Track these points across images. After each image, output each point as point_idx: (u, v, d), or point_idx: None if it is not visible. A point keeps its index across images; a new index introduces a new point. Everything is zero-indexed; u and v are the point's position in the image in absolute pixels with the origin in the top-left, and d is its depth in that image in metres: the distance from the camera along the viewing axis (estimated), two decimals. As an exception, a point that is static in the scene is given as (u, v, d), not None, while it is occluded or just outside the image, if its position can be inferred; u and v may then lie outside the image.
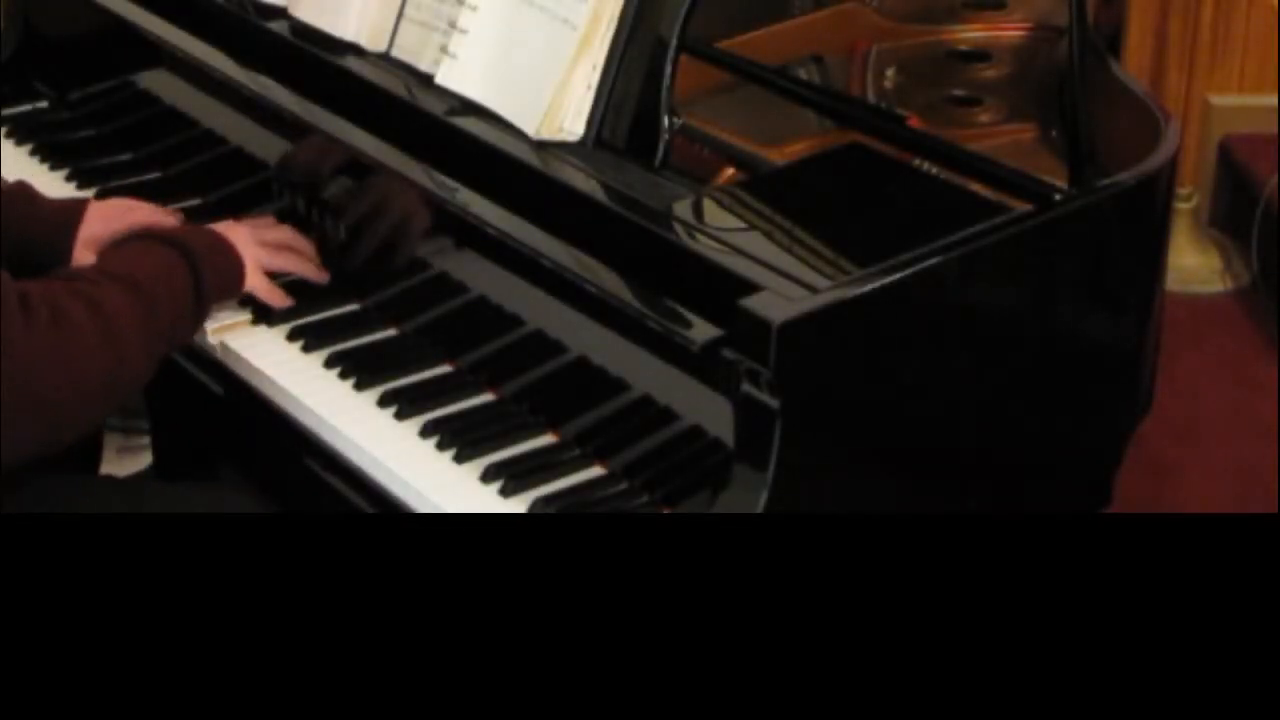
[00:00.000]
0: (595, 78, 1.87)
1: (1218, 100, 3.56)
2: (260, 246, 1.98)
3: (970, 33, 2.21)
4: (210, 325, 1.95)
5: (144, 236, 1.92)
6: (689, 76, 1.90)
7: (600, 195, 1.81)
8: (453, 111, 1.95)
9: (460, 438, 1.79)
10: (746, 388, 1.58)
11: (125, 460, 2.90)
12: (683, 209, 1.76)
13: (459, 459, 1.77)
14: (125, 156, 2.37)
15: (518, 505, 1.71)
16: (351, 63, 2.09)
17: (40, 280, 1.76)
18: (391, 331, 1.98)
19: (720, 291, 1.61)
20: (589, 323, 1.76)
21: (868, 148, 1.91)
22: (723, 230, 1.72)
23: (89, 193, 2.24)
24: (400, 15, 2.07)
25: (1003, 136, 2.05)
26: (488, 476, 1.74)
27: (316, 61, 2.11)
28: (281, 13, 2.19)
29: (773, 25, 2.17)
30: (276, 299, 1.98)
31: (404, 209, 1.97)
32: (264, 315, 1.98)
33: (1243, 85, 3.57)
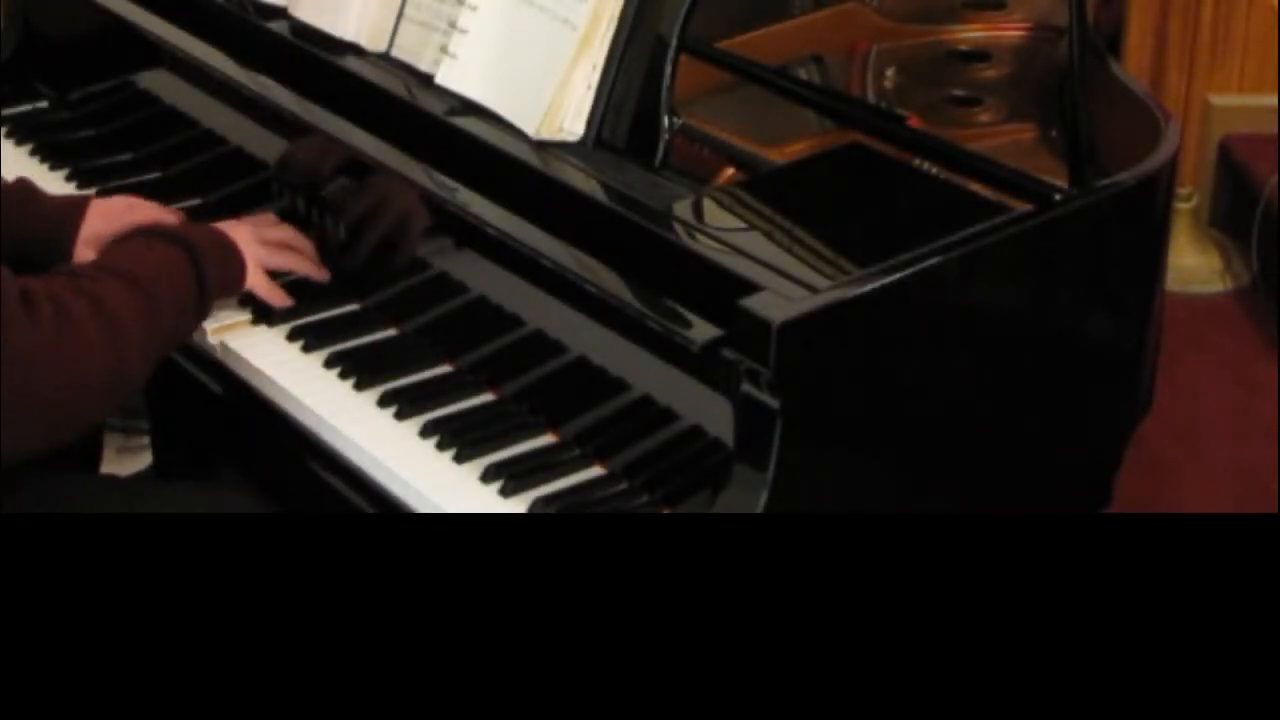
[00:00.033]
0: (595, 78, 1.87)
1: (1218, 100, 3.57)
2: (261, 245, 1.98)
3: (970, 33, 2.21)
4: (210, 325, 1.95)
5: (146, 233, 1.92)
6: (689, 76, 1.90)
7: (600, 195, 1.81)
8: (453, 111, 1.95)
9: (460, 438, 1.79)
10: (746, 388, 1.58)
11: (125, 460, 2.90)
12: (683, 209, 1.76)
13: (459, 459, 1.77)
14: (125, 156, 2.37)
15: (518, 505, 1.71)
16: (351, 63, 2.09)
17: (42, 277, 1.76)
18: (391, 331, 1.98)
19: (720, 291, 1.61)
20: (589, 323, 1.76)
21: (868, 148, 1.91)
22: (723, 230, 1.72)
23: (89, 192, 2.24)
24: (400, 15, 2.07)
25: (1003, 136, 2.05)
26: (488, 476, 1.74)
27: (316, 61, 2.11)
28: (281, 13, 2.20)
29: (773, 25, 2.17)
30: (277, 298, 1.98)
31: (404, 209, 1.97)
32: (264, 315, 1.98)
33: (1243, 85, 3.57)
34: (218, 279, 1.90)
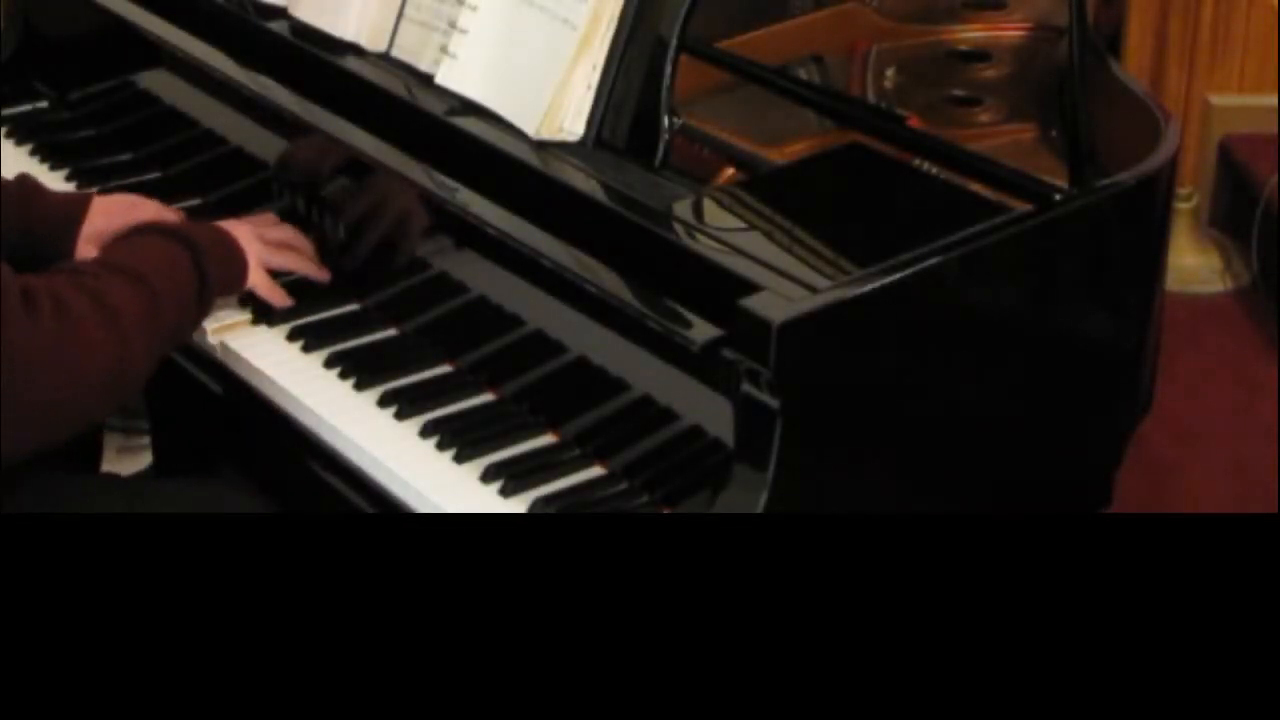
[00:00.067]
0: (595, 78, 1.87)
1: (1218, 100, 3.56)
2: (262, 244, 1.98)
3: (970, 33, 2.21)
4: (210, 325, 1.95)
5: (148, 230, 1.92)
6: (689, 76, 1.90)
7: (600, 195, 1.81)
8: (453, 111, 1.95)
9: (460, 438, 1.79)
10: (746, 388, 1.58)
11: (125, 460, 2.89)
12: (683, 209, 1.76)
13: (459, 459, 1.77)
14: (125, 156, 2.37)
15: (518, 505, 1.71)
16: (351, 63, 2.09)
17: (43, 274, 1.76)
18: (391, 331, 1.98)
19: (720, 291, 1.61)
20: (589, 323, 1.76)
21: (868, 148, 1.91)
22: (723, 230, 1.72)
23: (90, 191, 2.24)
24: (400, 15, 2.07)
25: (1003, 136, 2.05)
26: (488, 476, 1.74)
27: (316, 61, 2.11)
28: (281, 13, 2.20)
29: (773, 25, 2.17)
30: (277, 297, 1.98)
31: (404, 209, 1.97)
32: (264, 315, 1.98)
33: (1243, 85, 3.57)
34: (219, 277, 1.90)
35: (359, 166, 2.00)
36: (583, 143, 1.88)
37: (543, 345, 1.82)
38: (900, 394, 1.68)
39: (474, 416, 1.83)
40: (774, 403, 1.56)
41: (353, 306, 2.01)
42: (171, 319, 1.82)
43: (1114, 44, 3.51)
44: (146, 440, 2.75)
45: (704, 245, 1.69)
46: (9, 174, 2.11)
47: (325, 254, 2.04)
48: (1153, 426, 2.10)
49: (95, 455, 2.29)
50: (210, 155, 2.26)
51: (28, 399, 1.65)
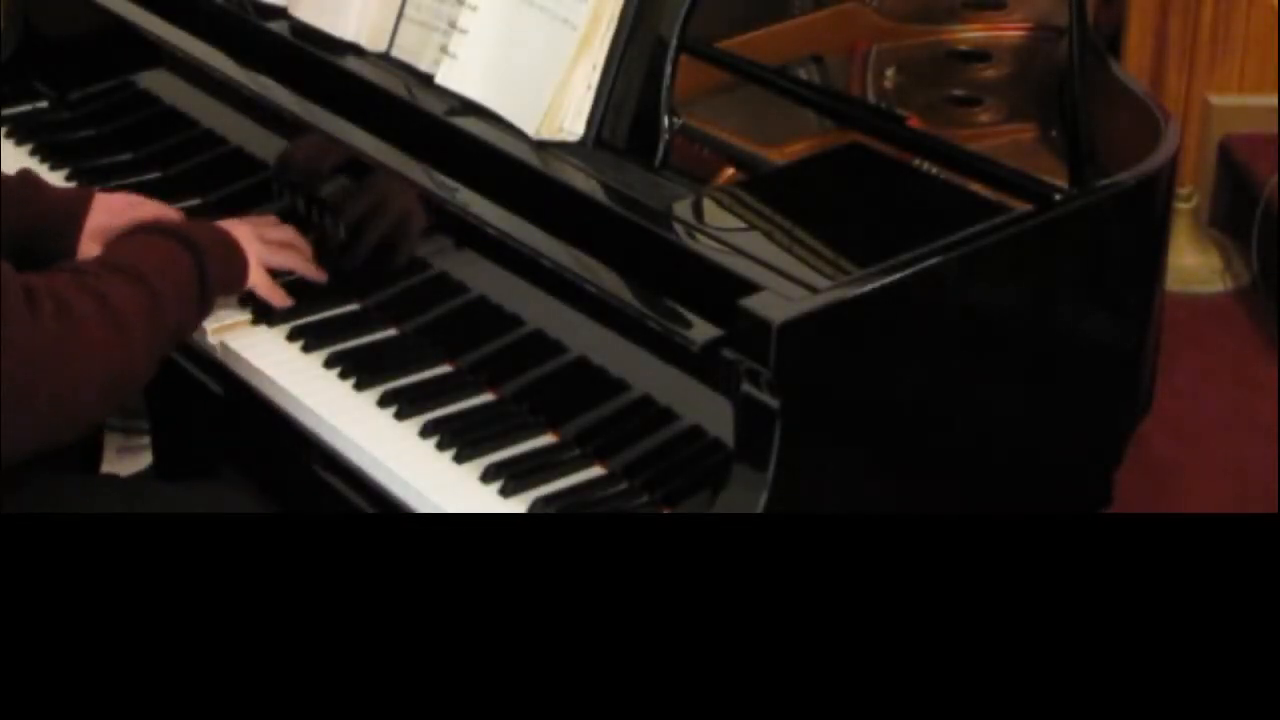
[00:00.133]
0: (595, 78, 1.87)
1: (1218, 100, 3.56)
2: (262, 244, 1.98)
3: (970, 33, 2.21)
4: (210, 325, 1.95)
5: (149, 230, 1.92)
6: (689, 76, 1.90)
7: (600, 195, 1.81)
8: (453, 111, 1.95)
9: (460, 438, 1.79)
10: (746, 388, 1.58)
11: (125, 460, 2.90)
12: (683, 209, 1.76)
13: (459, 459, 1.77)
14: (125, 156, 2.37)
15: (518, 505, 1.71)
16: (351, 63, 2.09)
17: (45, 273, 1.76)
18: (391, 331, 1.98)
19: (720, 291, 1.61)
20: (589, 323, 1.76)
21: (868, 148, 1.91)
22: (723, 230, 1.72)
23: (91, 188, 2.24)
24: (400, 15, 2.07)
25: (1003, 136, 2.05)
26: (488, 476, 1.74)
27: (316, 61, 2.11)
28: (281, 13, 2.20)
29: (773, 25, 2.17)
30: (277, 297, 1.98)
31: (404, 209, 1.97)
32: (264, 315, 1.98)
33: (1243, 85, 3.57)
34: (220, 276, 1.90)
35: (359, 166, 2.00)
36: (583, 143, 1.88)
37: (543, 345, 1.82)
38: (900, 394, 1.68)
39: (474, 416, 1.83)
40: (774, 403, 1.56)
41: (353, 306, 2.01)
42: (172, 319, 1.82)
43: (1114, 44, 3.51)
44: (146, 440, 2.75)
45: (704, 245, 1.69)
46: (9, 173, 2.11)
47: (325, 254, 2.04)
48: (1153, 426, 2.10)
49: (95, 455, 2.29)
50: (210, 155, 2.26)
51: (29, 398, 1.65)
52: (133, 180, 2.30)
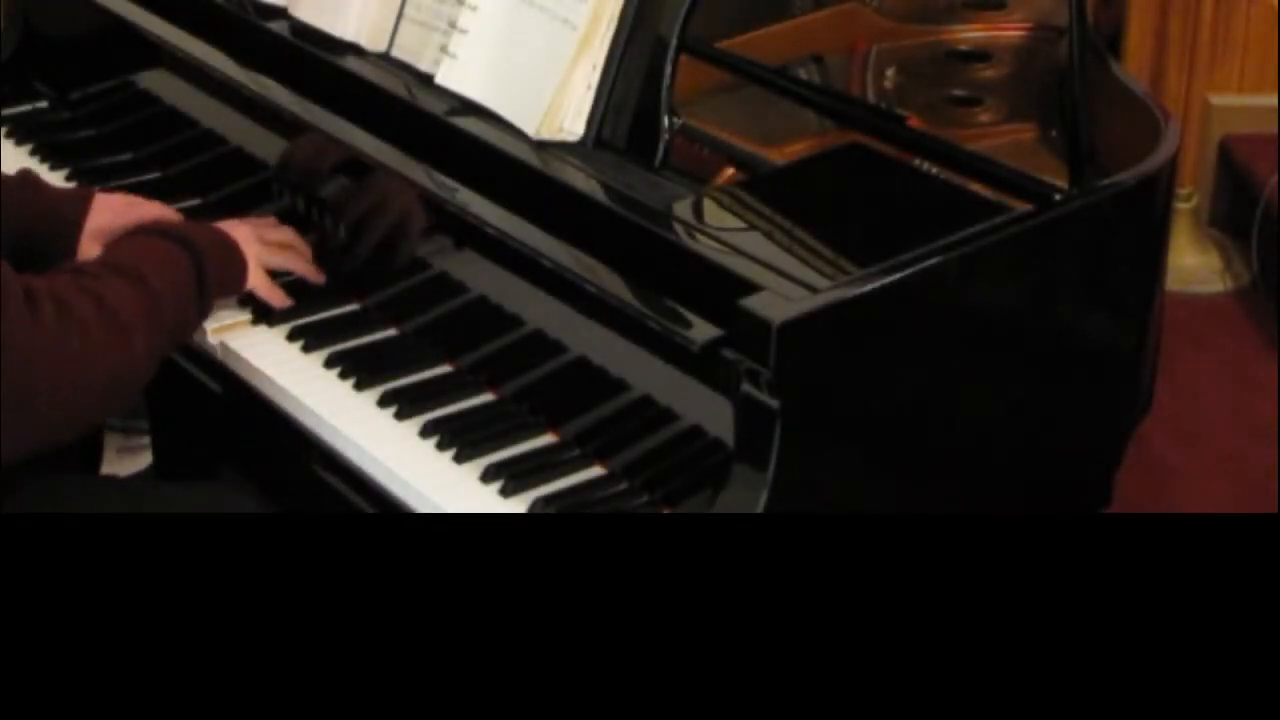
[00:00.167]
0: (595, 78, 1.87)
1: (1218, 100, 3.57)
2: (262, 245, 1.98)
3: (970, 33, 2.21)
4: (210, 325, 1.95)
5: (148, 231, 1.92)
6: (689, 76, 1.90)
7: (600, 195, 1.81)
8: (453, 111, 1.95)
9: (460, 438, 1.79)
10: (746, 388, 1.58)
11: (125, 460, 2.90)
12: (683, 209, 1.76)
13: (459, 459, 1.77)
14: (125, 156, 2.37)
15: (518, 505, 1.71)
16: (351, 63, 2.09)
17: (45, 275, 1.76)
18: (391, 331, 1.98)
19: (720, 291, 1.61)
20: (589, 323, 1.76)
21: (868, 148, 1.91)
22: (723, 230, 1.72)
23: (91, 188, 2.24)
24: (400, 15, 2.07)
25: (1003, 136, 2.05)
26: (488, 476, 1.74)
27: (316, 61, 2.11)
28: (281, 13, 2.20)
29: (773, 25, 2.17)
30: (277, 298, 1.98)
31: (404, 209, 1.97)
32: (264, 315, 1.98)
33: (1243, 85, 3.57)
34: (218, 278, 1.90)
35: (359, 166, 2.00)
36: (583, 143, 1.88)
37: (543, 345, 1.82)
38: (900, 394, 1.68)
39: (474, 416, 1.83)
40: (774, 403, 1.56)
41: (353, 306, 2.01)
42: (171, 320, 1.82)
43: (1114, 44, 3.51)
44: (146, 440, 2.76)
45: (704, 245, 1.69)
46: (9, 173, 2.12)
47: (325, 254, 2.04)
48: (1153, 426, 2.10)
49: (95, 456, 2.29)
50: (210, 155, 2.26)
51: (29, 400, 1.65)
52: (133, 180, 2.30)
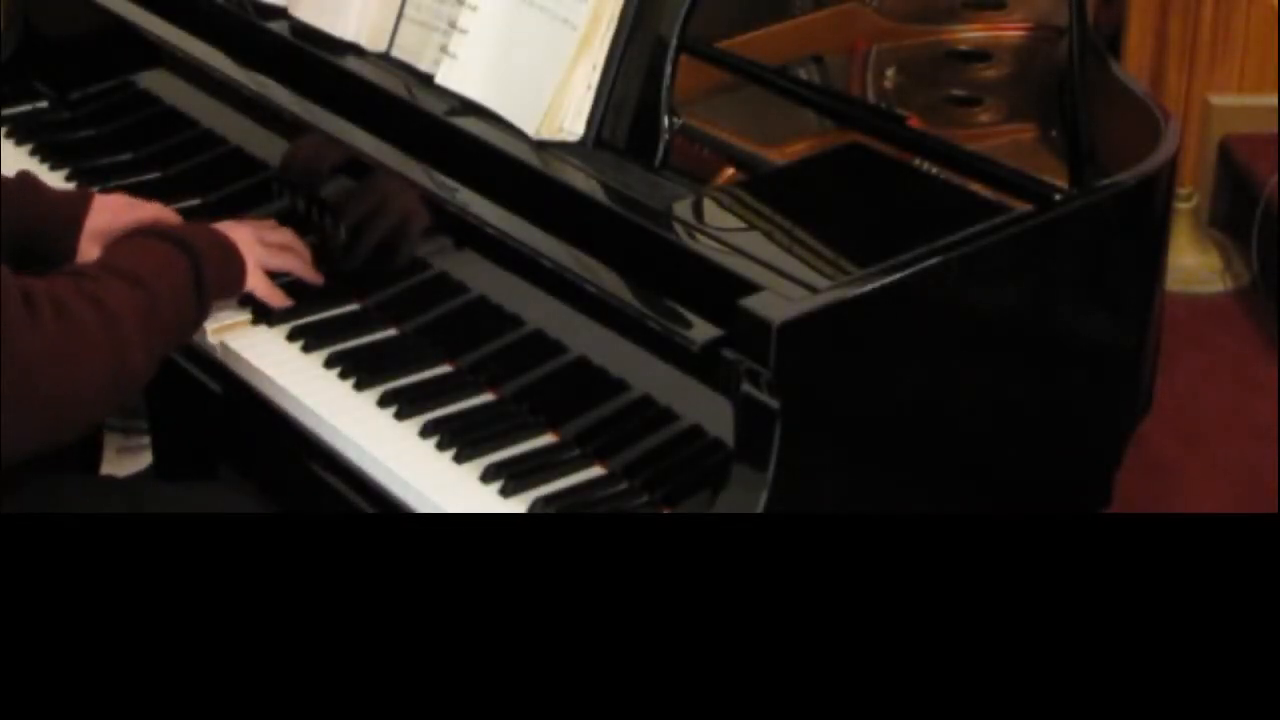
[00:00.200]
0: (595, 78, 1.87)
1: (1218, 100, 3.57)
2: (261, 246, 1.98)
3: (970, 33, 2.21)
4: (210, 325, 1.95)
5: (147, 233, 1.92)
6: (689, 76, 1.90)
7: (600, 195, 1.81)
8: (453, 111, 1.95)
9: (460, 438, 1.79)
10: (746, 388, 1.58)
11: (125, 460, 2.90)
12: (683, 209, 1.76)
13: (459, 459, 1.77)
14: (125, 156, 2.37)
15: (518, 505, 1.71)
16: (351, 63, 2.09)
17: (44, 277, 1.76)
18: (391, 331, 1.98)
19: (720, 291, 1.61)
20: (589, 323, 1.76)
21: (868, 148, 1.91)
22: (723, 230, 1.72)
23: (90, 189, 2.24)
24: (400, 15, 2.07)
25: (1003, 136, 2.05)
26: (488, 476, 1.74)
27: (316, 61, 2.11)
28: (281, 13, 2.20)
29: (773, 25, 2.17)
30: (276, 299, 1.98)
31: (404, 209, 1.97)
32: (264, 315, 1.98)
33: (1243, 85, 3.57)
34: (217, 280, 1.90)
35: (359, 167, 2.00)
36: (583, 143, 1.88)
37: (543, 345, 1.82)
38: (900, 394, 1.68)
39: (474, 416, 1.83)
40: (774, 403, 1.56)
41: (353, 306, 2.01)
42: (170, 322, 1.82)
43: (1114, 44, 3.51)
44: (146, 440, 2.75)
45: (704, 245, 1.69)
46: (9, 174, 2.12)
47: (326, 254, 2.04)
48: (1153, 426, 2.10)
49: (95, 456, 2.29)
50: (210, 155, 2.26)
51: (28, 401, 1.65)
52: (132, 180, 2.30)
